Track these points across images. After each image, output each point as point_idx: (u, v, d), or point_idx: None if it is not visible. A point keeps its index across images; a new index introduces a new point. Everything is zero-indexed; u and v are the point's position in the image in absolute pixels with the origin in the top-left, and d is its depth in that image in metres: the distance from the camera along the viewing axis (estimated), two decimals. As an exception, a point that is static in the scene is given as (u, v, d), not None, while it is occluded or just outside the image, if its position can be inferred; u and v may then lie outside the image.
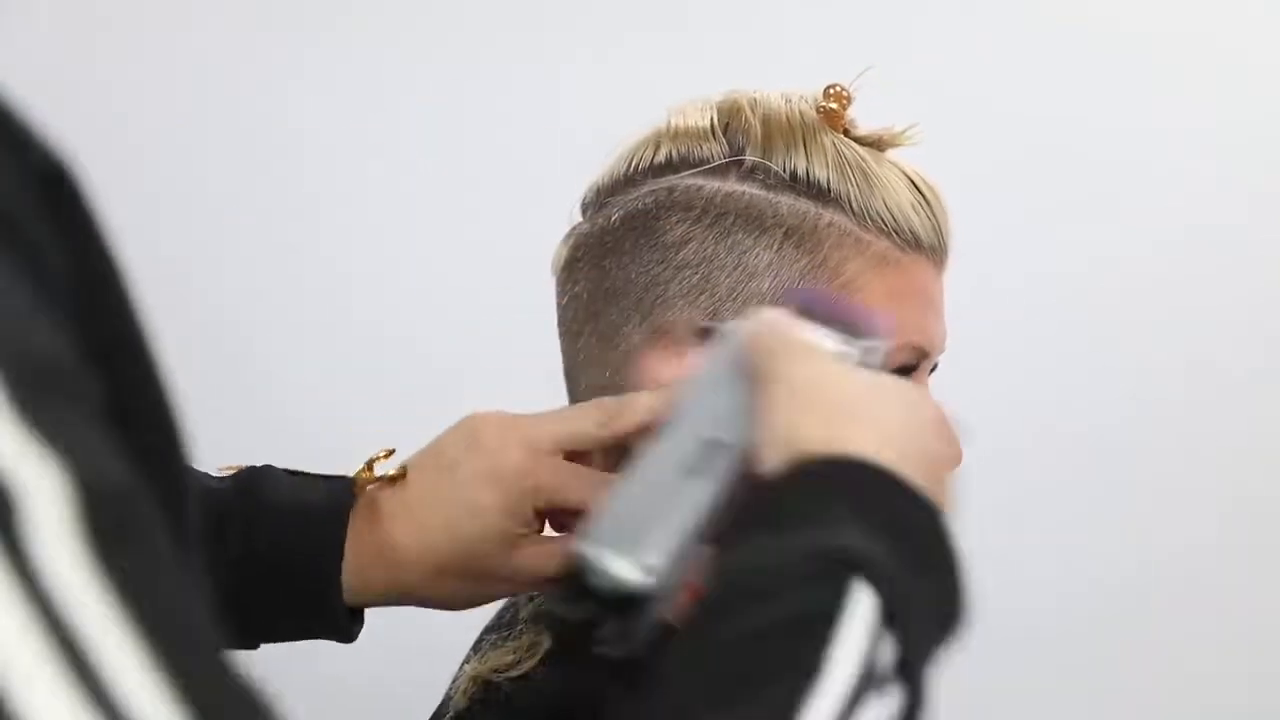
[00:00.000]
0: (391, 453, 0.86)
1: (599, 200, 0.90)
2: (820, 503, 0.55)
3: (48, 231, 0.42)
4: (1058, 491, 1.80)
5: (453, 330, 1.78)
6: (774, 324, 0.67)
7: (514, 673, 0.83)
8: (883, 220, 0.85)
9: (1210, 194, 1.79)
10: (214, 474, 0.87)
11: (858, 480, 0.56)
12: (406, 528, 0.83)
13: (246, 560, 0.83)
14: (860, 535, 0.53)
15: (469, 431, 0.84)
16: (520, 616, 0.88)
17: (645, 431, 0.77)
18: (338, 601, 0.84)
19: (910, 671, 0.52)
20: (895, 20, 1.78)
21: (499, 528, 0.81)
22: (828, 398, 0.61)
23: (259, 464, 0.88)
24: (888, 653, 0.52)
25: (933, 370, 0.91)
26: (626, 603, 0.61)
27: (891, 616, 0.52)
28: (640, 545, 0.61)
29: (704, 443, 0.65)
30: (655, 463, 0.65)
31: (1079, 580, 1.79)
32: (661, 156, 0.87)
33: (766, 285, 0.84)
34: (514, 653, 0.84)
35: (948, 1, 1.81)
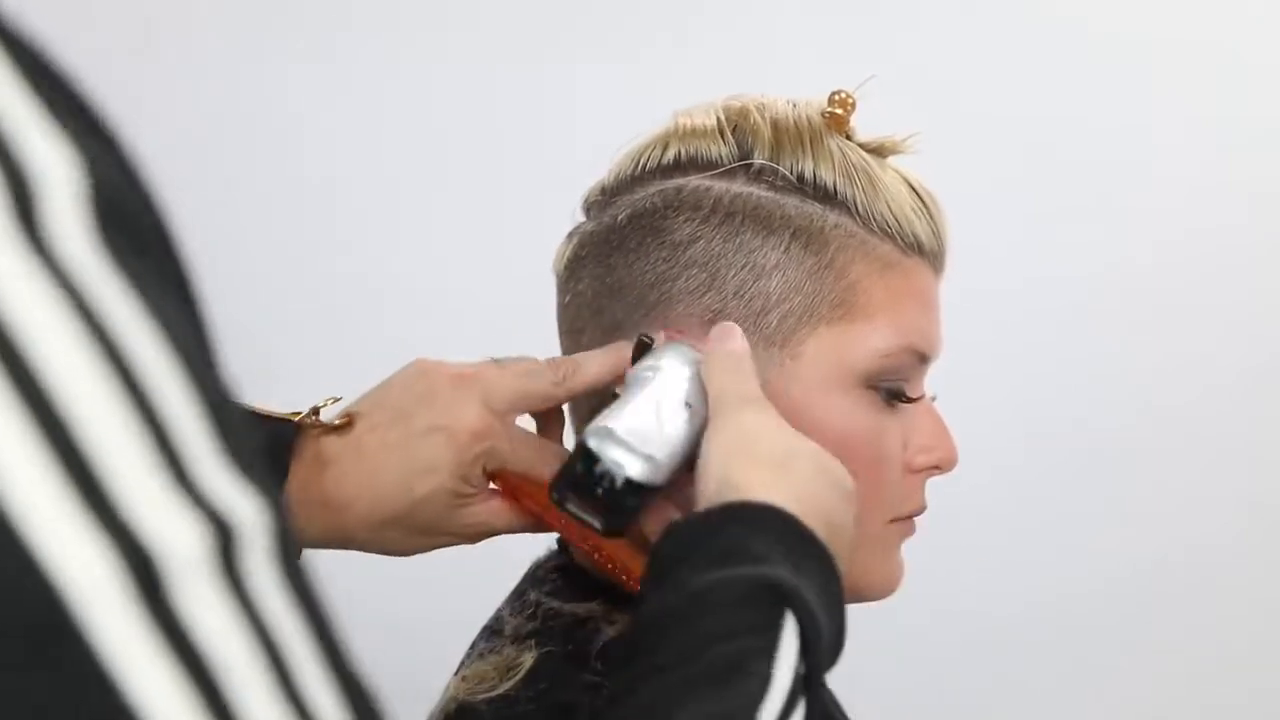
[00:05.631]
0: (338, 400, 0.85)
1: (605, 199, 0.90)
2: (756, 542, 0.66)
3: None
4: (1058, 493, 1.80)
5: (449, 331, 1.78)
6: (729, 360, 0.77)
7: (492, 693, 0.82)
8: (886, 224, 0.86)
9: (1210, 195, 1.79)
10: None
11: (782, 528, 0.67)
12: (354, 479, 0.82)
13: None
14: (788, 573, 0.65)
15: (422, 380, 0.83)
16: (505, 632, 0.87)
17: (594, 390, 0.85)
18: None
19: (811, 687, 0.64)
20: (892, 24, 1.78)
21: (450, 486, 0.82)
22: (762, 450, 0.72)
23: None
24: (800, 670, 0.64)
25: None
26: (626, 493, 0.73)
27: (808, 642, 0.64)
28: (649, 445, 0.74)
29: (696, 388, 0.78)
30: (662, 389, 0.77)
31: (1081, 582, 1.80)
32: (670, 157, 0.88)
33: (774, 284, 0.84)
34: (494, 669, 0.83)
35: (945, 4, 1.81)
